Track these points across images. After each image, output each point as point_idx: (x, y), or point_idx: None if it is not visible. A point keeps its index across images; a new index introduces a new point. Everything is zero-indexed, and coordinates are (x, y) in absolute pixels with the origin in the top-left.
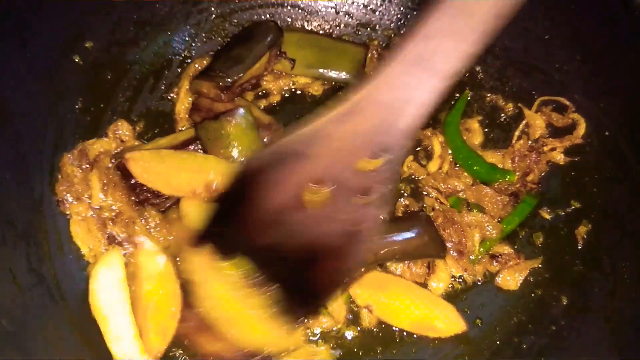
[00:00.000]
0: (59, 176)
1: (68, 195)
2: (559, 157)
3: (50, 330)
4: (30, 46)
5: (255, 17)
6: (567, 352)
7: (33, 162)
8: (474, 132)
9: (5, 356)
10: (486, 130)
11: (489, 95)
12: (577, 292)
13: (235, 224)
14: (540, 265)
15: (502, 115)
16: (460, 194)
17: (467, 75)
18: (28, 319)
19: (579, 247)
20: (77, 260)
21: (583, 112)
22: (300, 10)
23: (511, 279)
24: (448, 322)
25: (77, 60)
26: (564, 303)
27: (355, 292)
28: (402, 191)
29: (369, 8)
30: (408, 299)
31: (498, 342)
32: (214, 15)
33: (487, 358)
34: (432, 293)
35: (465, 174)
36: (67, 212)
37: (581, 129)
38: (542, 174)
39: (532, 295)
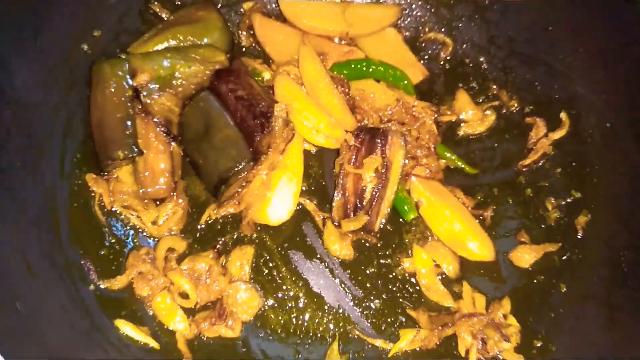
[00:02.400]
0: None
1: None
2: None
3: (62, 314)
4: (43, 36)
5: (259, 3)
6: (566, 338)
7: (44, 150)
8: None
9: (19, 337)
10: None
11: (494, 86)
12: (576, 280)
13: None
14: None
15: (504, 109)
16: None
17: (470, 65)
18: (41, 302)
19: (579, 237)
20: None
21: (585, 104)
22: None
23: (523, 257)
24: (480, 247)
25: (85, 49)
26: (563, 291)
27: (414, 185)
28: None
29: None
30: (456, 212)
31: None
32: (220, 4)
33: None
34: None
35: None
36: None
37: (563, 129)
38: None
39: (535, 281)
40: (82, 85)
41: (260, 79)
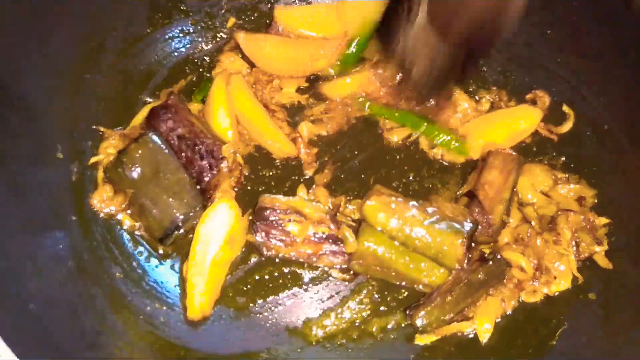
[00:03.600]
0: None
1: None
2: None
3: (72, 314)
4: (50, 43)
5: (265, 10)
6: (564, 336)
7: (52, 155)
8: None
9: (32, 338)
10: None
11: (493, 88)
12: (575, 280)
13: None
14: None
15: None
16: None
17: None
18: (52, 303)
19: None
20: (101, 247)
21: (583, 107)
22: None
23: None
24: None
25: (92, 55)
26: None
27: None
28: None
29: None
30: None
31: None
32: (223, 10)
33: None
34: None
35: None
36: None
37: (569, 122)
38: None
39: None
40: (89, 91)
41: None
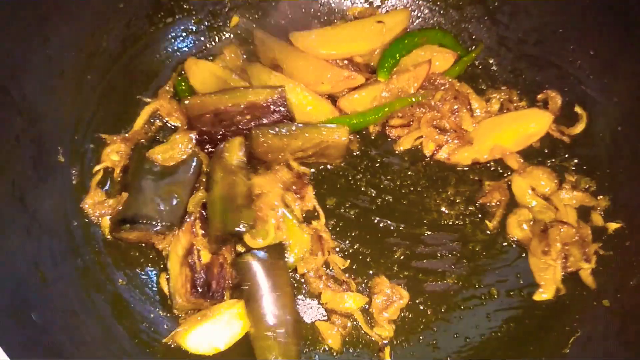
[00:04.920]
0: None
1: None
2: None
3: (75, 321)
4: (51, 44)
5: (269, 8)
6: (577, 344)
7: (54, 158)
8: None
9: (36, 345)
10: None
11: (503, 87)
12: (586, 287)
13: None
14: None
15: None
16: None
17: (480, 67)
18: (55, 311)
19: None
20: (103, 252)
21: (596, 107)
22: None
23: None
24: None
25: (93, 56)
26: (576, 294)
27: None
28: None
29: None
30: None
31: None
32: (227, 8)
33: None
34: None
35: None
36: None
37: (582, 123)
38: None
39: None
40: (90, 93)
41: None
